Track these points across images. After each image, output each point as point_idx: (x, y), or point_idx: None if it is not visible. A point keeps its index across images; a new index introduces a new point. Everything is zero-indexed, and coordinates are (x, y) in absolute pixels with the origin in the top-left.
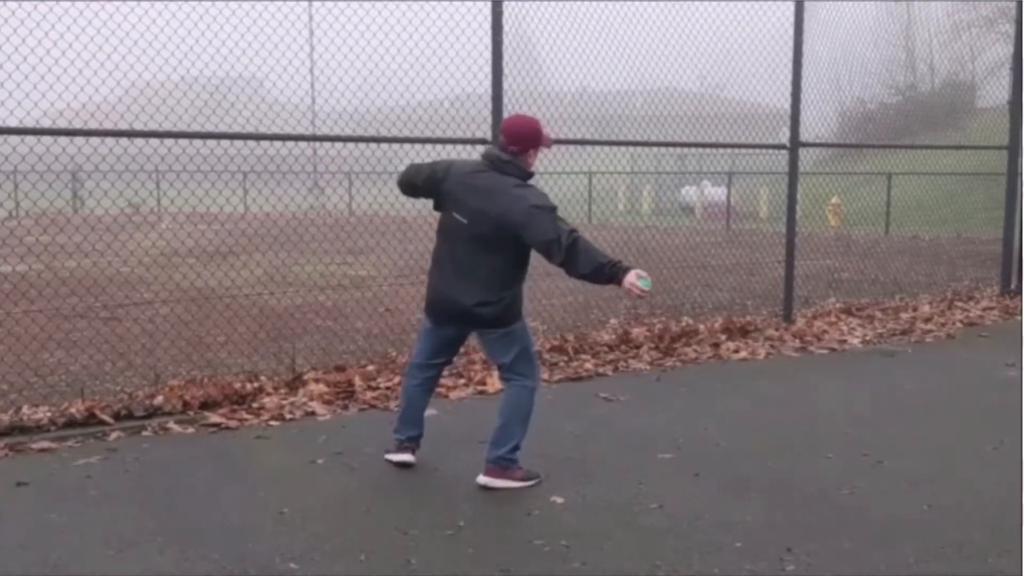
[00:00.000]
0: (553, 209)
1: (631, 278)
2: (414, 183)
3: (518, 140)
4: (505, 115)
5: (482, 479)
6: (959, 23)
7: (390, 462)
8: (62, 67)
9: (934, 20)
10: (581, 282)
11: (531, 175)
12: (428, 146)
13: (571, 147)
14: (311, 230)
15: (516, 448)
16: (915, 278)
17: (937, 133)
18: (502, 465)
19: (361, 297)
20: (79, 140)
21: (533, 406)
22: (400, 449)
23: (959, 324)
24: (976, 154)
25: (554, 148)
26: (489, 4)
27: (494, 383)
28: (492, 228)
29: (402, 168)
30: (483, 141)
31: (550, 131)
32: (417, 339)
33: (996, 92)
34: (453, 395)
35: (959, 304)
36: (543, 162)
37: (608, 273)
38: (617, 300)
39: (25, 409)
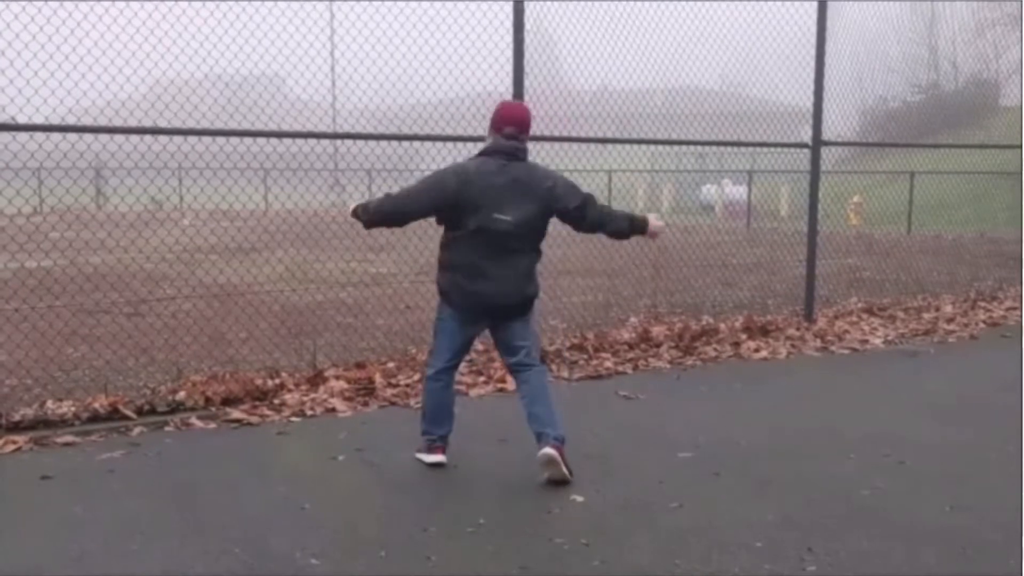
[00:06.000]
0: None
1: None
2: (408, 212)
3: (528, 126)
4: None
5: (552, 452)
6: (983, 21)
7: (421, 462)
8: (87, 64)
9: (958, 18)
10: (601, 280)
11: (484, 152)
12: (449, 144)
13: (591, 145)
14: (332, 227)
15: None
16: (937, 278)
17: (960, 132)
18: (562, 444)
19: (381, 294)
20: (103, 137)
21: None
22: (434, 449)
23: (982, 324)
24: (999, 153)
25: (574, 146)
26: (511, 3)
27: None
28: (538, 215)
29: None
30: None
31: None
32: (439, 345)
33: (1020, 91)
34: (473, 393)
35: (982, 304)
36: (564, 160)
37: (634, 226)
38: (637, 298)
39: (49, 403)
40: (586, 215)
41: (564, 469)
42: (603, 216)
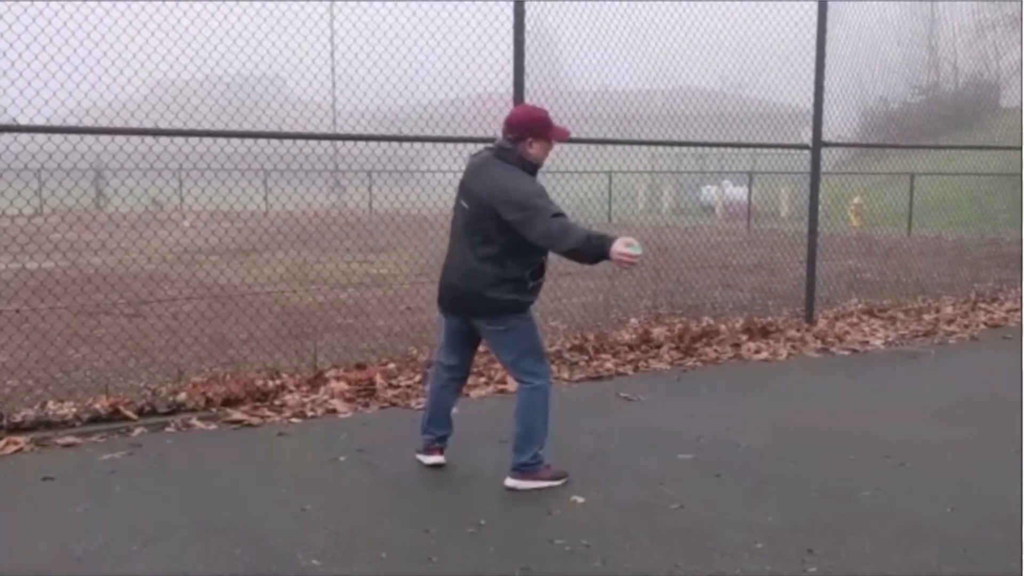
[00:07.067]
0: (533, 194)
1: (619, 247)
2: None
3: (512, 127)
4: None
5: (509, 482)
6: (983, 22)
7: (421, 463)
8: (88, 66)
9: (958, 19)
10: (601, 282)
11: (532, 164)
12: (449, 145)
13: (591, 146)
14: (332, 228)
15: (540, 451)
16: (938, 279)
17: (960, 133)
18: (527, 469)
19: (382, 295)
20: (104, 138)
21: (548, 405)
22: (430, 450)
23: (983, 326)
24: (1000, 154)
25: (575, 147)
26: (511, 4)
27: (514, 381)
28: (486, 211)
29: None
30: None
31: (566, 128)
32: (437, 337)
33: (1020, 92)
34: (474, 394)
35: (983, 305)
36: (564, 161)
37: (596, 244)
38: (638, 300)
39: (50, 404)
40: (526, 232)
41: (529, 486)
42: (549, 235)
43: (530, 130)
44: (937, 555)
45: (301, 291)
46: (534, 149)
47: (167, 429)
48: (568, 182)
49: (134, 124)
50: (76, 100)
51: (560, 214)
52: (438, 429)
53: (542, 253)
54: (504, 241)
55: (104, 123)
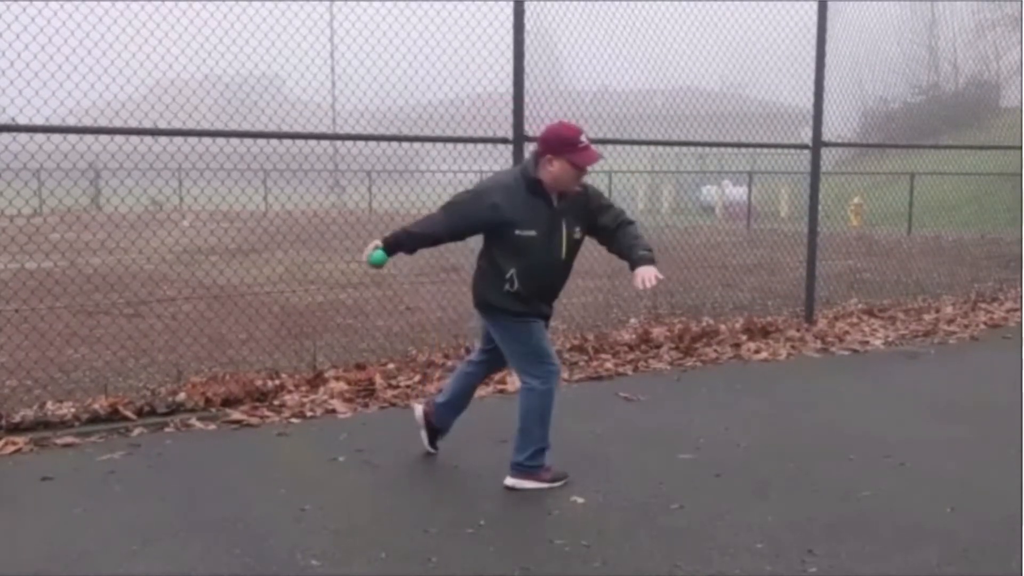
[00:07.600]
0: (466, 192)
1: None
2: None
3: (539, 141)
4: (526, 114)
5: (508, 480)
6: (983, 22)
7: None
8: (87, 66)
9: (958, 19)
10: (601, 282)
11: (540, 182)
12: (449, 145)
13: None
14: (332, 228)
15: (539, 452)
16: (938, 279)
17: (960, 133)
18: (525, 470)
19: (382, 295)
20: (103, 138)
21: (549, 407)
22: (426, 412)
23: (983, 326)
24: (1000, 154)
25: None
26: (511, 4)
27: (514, 381)
28: None
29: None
30: (504, 140)
31: (594, 153)
32: None
33: (1020, 92)
34: (474, 394)
35: (983, 305)
36: None
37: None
38: (638, 300)
39: (49, 405)
40: None
41: (527, 486)
42: None
43: (549, 145)
44: (937, 555)
45: (300, 291)
46: (553, 167)
47: (166, 429)
48: None
49: (133, 124)
50: (75, 100)
51: (439, 211)
52: (441, 395)
53: (520, 264)
54: (487, 242)
55: (103, 123)
